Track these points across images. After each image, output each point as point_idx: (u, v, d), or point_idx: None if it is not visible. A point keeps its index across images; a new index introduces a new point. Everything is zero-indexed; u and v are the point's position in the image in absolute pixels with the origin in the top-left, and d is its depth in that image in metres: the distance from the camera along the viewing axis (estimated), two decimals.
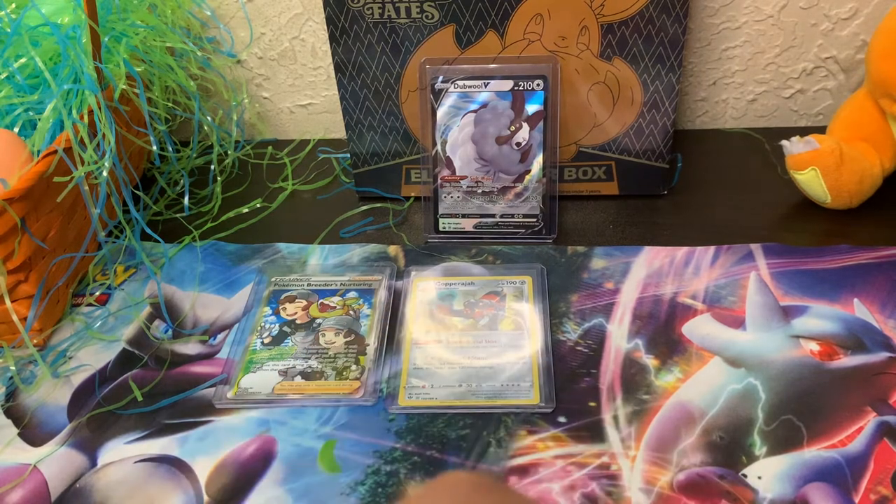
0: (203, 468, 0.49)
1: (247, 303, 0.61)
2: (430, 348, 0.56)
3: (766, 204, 0.68)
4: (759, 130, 0.78)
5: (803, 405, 0.50)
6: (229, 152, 0.78)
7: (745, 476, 0.46)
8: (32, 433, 0.52)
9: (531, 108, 0.63)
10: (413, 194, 0.72)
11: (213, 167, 0.75)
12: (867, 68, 0.66)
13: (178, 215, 0.71)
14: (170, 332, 0.59)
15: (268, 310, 0.60)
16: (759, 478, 0.46)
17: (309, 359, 0.55)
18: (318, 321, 0.59)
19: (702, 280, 0.60)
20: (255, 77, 0.82)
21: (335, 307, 0.60)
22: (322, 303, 0.60)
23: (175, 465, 0.49)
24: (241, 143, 0.80)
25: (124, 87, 0.61)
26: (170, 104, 0.72)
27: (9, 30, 0.59)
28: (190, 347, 0.58)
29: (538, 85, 0.63)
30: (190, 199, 0.73)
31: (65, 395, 0.55)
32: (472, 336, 0.56)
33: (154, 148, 0.68)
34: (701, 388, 0.51)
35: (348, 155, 0.73)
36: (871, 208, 0.65)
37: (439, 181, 0.66)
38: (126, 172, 0.62)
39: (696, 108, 0.80)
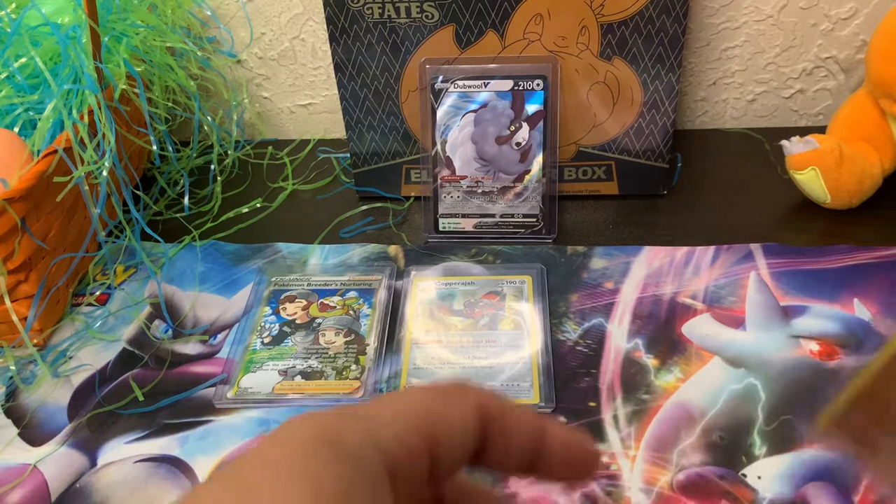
0: (203, 468, 0.49)
1: (247, 303, 0.61)
2: (430, 348, 0.56)
3: (766, 204, 0.68)
4: (759, 130, 0.78)
5: (803, 405, 0.50)
6: (229, 152, 0.78)
7: (744, 476, 0.46)
8: (32, 433, 0.52)
9: (531, 108, 0.63)
10: (413, 194, 0.72)
11: (213, 167, 0.75)
12: (867, 68, 0.66)
13: (178, 215, 0.71)
14: (170, 331, 0.59)
15: (268, 309, 0.60)
16: (759, 478, 0.46)
17: (309, 358, 0.55)
18: (318, 321, 0.59)
19: (702, 280, 0.60)
20: (255, 77, 0.82)
21: (335, 307, 0.60)
22: (322, 302, 0.60)
23: (175, 465, 0.49)
24: (241, 143, 0.80)
25: (124, 87, 0.61)
26: (170, 104, 0.72)
27: (9, 30, 0.59)
28: (190, 347, 0.58)
29: (538, 85, 0.63)
30: (190, 199, 0.73)
31: (65, 395, 0.55)
32: (472, 336, 0.57)
33: (154, 148, 0.68)
34: (701, 388, 0.51)
35: (348, 155, 0.73)
36: (871, 208, 0.65)
37: (439, 181, 0.66)
38: (126, 172, 0.62)
39: (696, 108, 0.80)
